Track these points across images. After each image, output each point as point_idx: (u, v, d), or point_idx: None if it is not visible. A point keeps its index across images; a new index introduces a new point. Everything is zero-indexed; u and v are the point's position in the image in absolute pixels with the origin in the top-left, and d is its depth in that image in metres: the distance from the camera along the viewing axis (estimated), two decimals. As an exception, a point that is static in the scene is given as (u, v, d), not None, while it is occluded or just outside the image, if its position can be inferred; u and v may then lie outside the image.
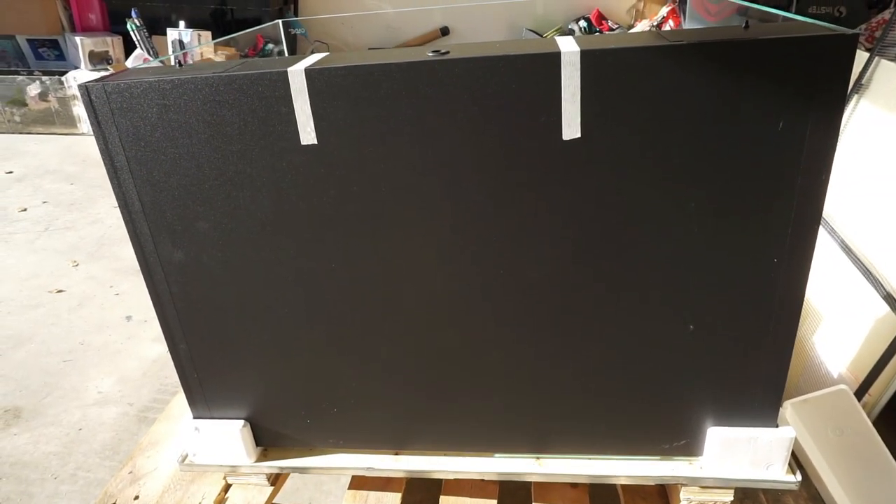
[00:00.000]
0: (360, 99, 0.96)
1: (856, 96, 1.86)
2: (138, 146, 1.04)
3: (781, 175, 0.94)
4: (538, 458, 1.28)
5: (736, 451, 1.17)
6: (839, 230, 1.75)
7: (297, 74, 0.95)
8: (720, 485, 1.20)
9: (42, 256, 2.77)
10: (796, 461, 1.44)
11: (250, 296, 1.17)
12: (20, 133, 4.36)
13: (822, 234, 1.78)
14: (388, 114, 0.97)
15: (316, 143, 1.00)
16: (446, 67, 0.93)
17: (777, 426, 1.17)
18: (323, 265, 1.11)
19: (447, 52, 0.96)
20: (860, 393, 1.52)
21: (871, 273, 1.55)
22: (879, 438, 1.41)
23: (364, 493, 1.34)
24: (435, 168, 1.00)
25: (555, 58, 0.90)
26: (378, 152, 1.00)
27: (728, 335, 1.09)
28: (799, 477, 1.18)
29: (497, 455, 1.29)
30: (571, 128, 0.94)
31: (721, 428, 1.17)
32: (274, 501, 1.35)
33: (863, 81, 1.86)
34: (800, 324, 1.72)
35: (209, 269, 1.14)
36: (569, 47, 0.90)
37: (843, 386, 1.46)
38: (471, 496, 1.33)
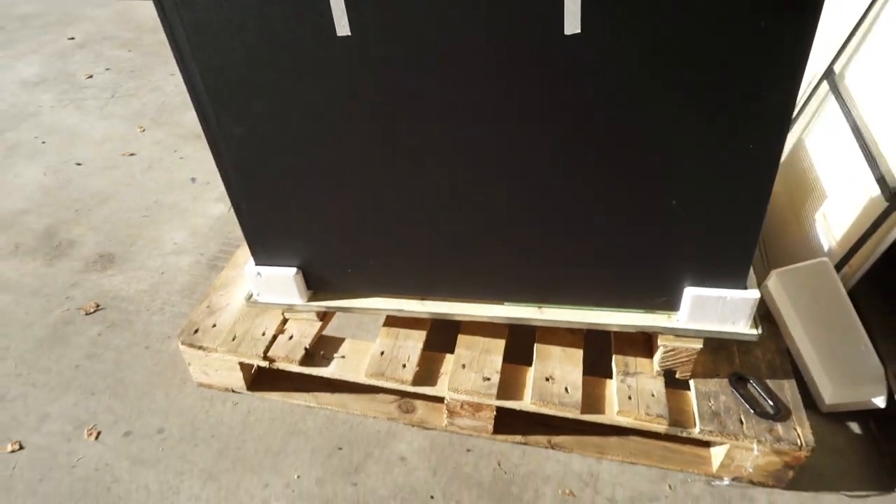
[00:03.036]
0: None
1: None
2: (199, 34, 1.20)
3: (760, 72, 1.05)
4: (540, 306, 1.52)
5: (707, 307, 1.38)
6: (854, 111, 1.80)
7: (331, -30, 1.08)
8: (691, 335, 1.42)
9: (112, 122, 3.03)
10: (771, 320, 1.65)
11: (298, 165, 1.37)
12: (75, -4, 4.47)
13: (838, 114, 1.83)
14: (411, 6, 1.10)
15: (350, 34, 1.15)
16: (461, -36, 1.04)
17: (746, 288, 1.36)
18: (361, 139, 1.30)
19: (464, -55, 1.06)
20: (843, 264, 1.67)
21: (871, 154, 1.64)
22: (851, 306, 1.59)
23: (396, 329, 1.62)
24: (455, 56, 1.14)
25: (558, -44, 0.99)
26: (406, 43, 1.14)
27: (705, 212, 1.25)
28: (759, 331, 1.39)
29: (506, 303, 1.54)
30: (572, 23, 1.06)
31: (695, 288, 1.37)
32: (323, 333, 1.66)
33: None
34: (805, 198, 1.85)
35: (264, 142, 1.35)
36: (573, -55, 0.99)
37: (824, 259, 1.61)
38: (483, 335, 1.60)
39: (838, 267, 1.66)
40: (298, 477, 1.51)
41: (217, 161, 1.40)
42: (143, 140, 2.89)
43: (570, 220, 1.34)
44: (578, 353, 1.56)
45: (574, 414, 1.45)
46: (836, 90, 1.92)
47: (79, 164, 2.68)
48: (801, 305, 1.65)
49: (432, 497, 1.47)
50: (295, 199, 1.44)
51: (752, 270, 1.41)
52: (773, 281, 1.65)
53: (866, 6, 1.87)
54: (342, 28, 1.14)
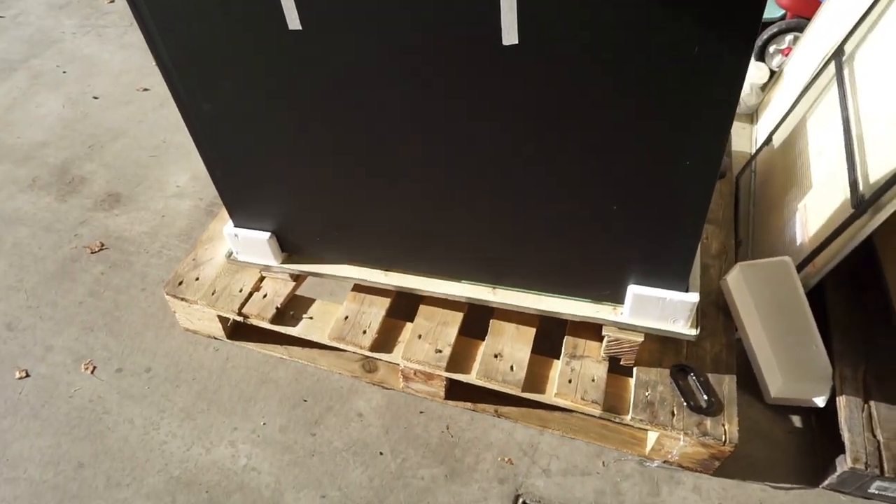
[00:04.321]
0: (332, -8, 1.10)
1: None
2: (164, 16, 1.24)
3: (695, 94, 1.04)
4: (494, 288, 1.58)
5: (648, 305, 1.42)
6: (851, 101, 1.72)
7: (276, -32, 1.09)
8: (633, 329, 1.47)
9: (130, 52, 3.09)
10: (728, 312, 1.67)
11: (265, 141, 1.43)
12: None
13: (836, 102, 1.76)
14: (357, 5, 1.11)
15: (301, 28, 1.17)
16: (399, -28, 1.03)
17: (686, 291, 1.39)
18: (319, 122, 1.34)
19: (407, -49, 1.06)
20: (808, 261, 1.66)
21: (852, 153, 1.59)
22: (807, 306, 1.59)
23: (362, 295, 1.72)
24: (398, 56, 1.16)
25: (492, -28, 0.98)
26: (353, 38, 1.16)
27: (645, 219, 1.27)
28: (697, 332, 1.43)
29: (463, 281, 1.61)
30: (510, 34, 1.06)
31: (638, 286, 1.41)
32: (296, 293, 1.77)
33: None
34: (792, 184, 1.82)
35: (232, 117, 1.40)
36: (508, -41, 0.98)
37: (785, 258, 1.61)
38: (443, 308, 1.68)
39: (805, 262, 1.66)
40: (264, 423, 1.67)
41: (192, 133, 1.47)
42: (158, 75, 2.94)
43: (520, 210, 1.37)
44: (531, 332, 1.63)
45: (515, 391, 1.54)
46: (840, 74, 1.83)
47: (96, 98, 2.78)
48: (759, 300, 1.67)
49: (381, 453, 1.61)
50: (264, 171, 1.51)
51: (697, 272, 1.44)
52: (734, 274, 1.66)
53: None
54: (293, 22, 1.16)
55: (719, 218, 1.96)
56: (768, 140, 2.23)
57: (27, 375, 1.77)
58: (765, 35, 2.63)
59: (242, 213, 1.66)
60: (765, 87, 2.60)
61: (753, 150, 2.36)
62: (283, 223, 1.64)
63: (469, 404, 1.70)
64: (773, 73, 2.63)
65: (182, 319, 1.84)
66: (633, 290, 1.41)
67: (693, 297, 1.38)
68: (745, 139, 2.51)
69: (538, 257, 1.47)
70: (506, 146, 1.25)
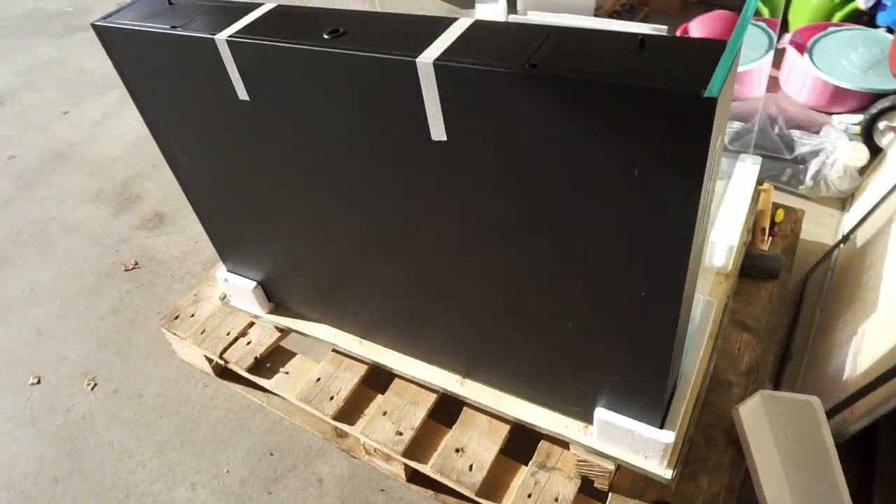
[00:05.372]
0: (273, 69, 1.06)
1: None
2: (138, 74, 1.27)
3: (636, 220, 0.87)
4: (463, 380, 1.46)
5: (616, 434, 1.23)
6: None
7: (222, 43, 1.06)
8: (599, 455, 1.29)
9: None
10: (738, 446, 1.43)
11: (235, 197, 1.42)
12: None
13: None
14: (294, 85, 1.05)
15: (248, 99, 1.14)
16: (326, 58, 0.97)
17: (661, 427, 1.19)
18: (272, 186, 1.31)
19: (343, 34, 0.99)
20: (849, 403, 1.37)
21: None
22: (835, 458, 1.31)
23: (341, 357, 1.66)
24: (332, 138, 1.09)
25: (412, 66, 0.89)
26: (293, 115, 1.11)
27: (603, 342, 1.10)
28: (671, 474, 1.22)
29: (435, 366, 1.50)
30: (437, 130, 0.95)
31: (605, 411, 1.23)
32: (280, 344, 1.75)
33: None
34: (853, 303, 1.54)
35: (206, 172, 1.41)
36: (426, 56, 0.88)
37: (813, 398, 1.33)
38: (419, 385, 1.58)
39: (844, 404, 1.38)
40: (227, 471, 1.65)
41: (180, 183, 1.50)
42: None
43: (480, 305, 1.25)
44: (504, 430, 1.48)
45: (469, 493, 1.40)
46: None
47: (176, 117, 2.97)
48: (781, 440, 1.40)
49: (330, 528, 1.54)
50: (242, 225, 1.51)
51: (682, 406, 1.23)
52: (752, 404, 1.41)
53: None
54: (241, 93, 1.13)
55: (761, 327, 1.68)
56: (848, 235, 1.90)
57: (38, 382, 1.89)
58: (874, 109, 2.26)
59: (231, 260, 1.66)
60: (864, 170, 2.23)
61: (834, 243, 2.03)
62: (267, 275, 1.62)
63: (430, 493, 1.58)
64: (878, 151, 2.25)
65: (178, 351, 1.89)
66: (599, 415, 1.23)
67: (667, 437, 1.17)
68: (829, 229, 2.16)
69: (506, 357, 1.33)
70: (452, 241, 1.13)
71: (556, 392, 1.31)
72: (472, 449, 1.46)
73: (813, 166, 2.20)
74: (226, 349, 1.71)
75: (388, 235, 1.23)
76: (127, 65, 1.25)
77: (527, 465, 1.43)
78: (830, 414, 1.37)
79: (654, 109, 0.75)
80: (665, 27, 1.34)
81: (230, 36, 1.06)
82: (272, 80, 1.08)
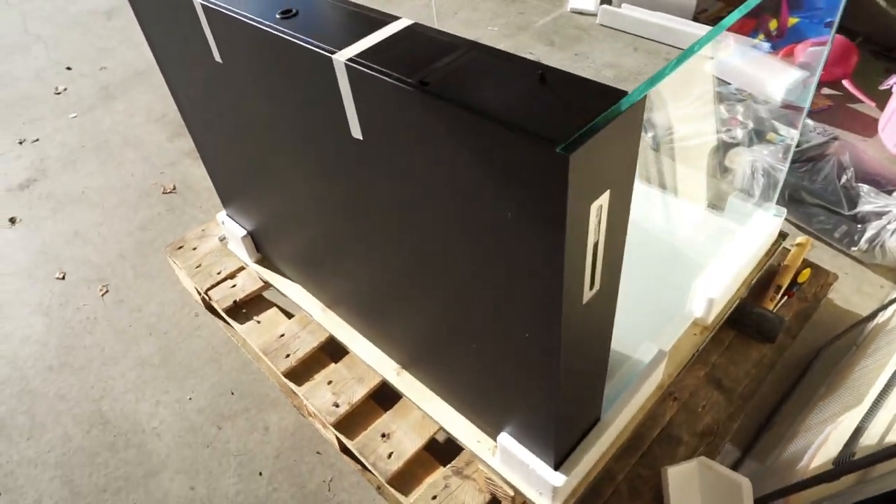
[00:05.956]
0: (237, 38, 1.08)
1: None
2: (151, 23, 1.34)
3: (517, 261, 0.83)
4: (400, 370, 1.47)
5: (515, 462, 1.21)
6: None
7: (199, 7, 1.10)
8: (501, 478, 1.27)
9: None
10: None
11: (225, 151, 1.48)
12: None
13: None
14: (251, 57, 1.08)
15: (221, 61, 1.17)
16: (268, 36, 0.98)
17: (556, 468, 1.15)
18: (248, 143, 1.35)
19: (295, 14, 0.99)
20: (784, 494, 1.25)
21: (882, 399, 1.14)
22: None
23: (309, 320, 1.71)
24: (286, 115, 1.11)
25: (329, 61, 0.88)
26: (255, 85, 1.14)
27: (500, 371, 1.08)
28: (561, 518, 1.18)
29: (380, 349, 1.52)
30: (355, 128, 0.94)
31: (508, 437, 1.20)
32: (263, 293, 1.83)
33: None
34: (841, 387, 1.44)
35: (199, 119, 1.48)
36: (343, 54, 0.87)
37: (744, 480, 1.23)
38: (367, 366, 1.61)
39: (781, 493, 1.27)
40: (190, 399, 1.78)
41: (182, 118, 1.59)
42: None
43: (420, 307, 1.25)
44: (433, 428, 1.49)
45: (381, 480, 1.43)
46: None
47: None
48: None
49: (260, 474, 1.62)
50: (232, 174, 1.57)
51: (594, 455, 1.18)
52: (685, 469, 1.33)
53: None
54: (216, 55, 1.17)
55: (738, 389, 1.56)
56: (877, 312, 1.71)
57: (63, 278, 2.10)
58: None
59: (228, 205, 1.75)
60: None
61: (873, 316, 1.82)
62: (256, 227, 1.69)
63: (359, 468, 1.62)
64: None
65: (181, 278, 2.02)
66: (502, 440, 1.20)
67: (556, 480, 1.13)
68: (874, 300, 1.94)
69: (438, 360, 1.33)
70: (390, 237, 1.13)
71: (475, 406, 1.29)
72: (397, 438, 1.48)
73: (872, 228, 1.96)
74: (212, 287, 1.81)
75: (345, 215, 1.25)
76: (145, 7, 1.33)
77: (444, 467, 1.44)
78: (766, 499, 1.27)
79: (519, 152, 0.71)
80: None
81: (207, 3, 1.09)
82: (239, 47, 1.10)
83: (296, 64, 0.97)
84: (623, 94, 0.71)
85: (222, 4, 1.06)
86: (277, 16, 0.99)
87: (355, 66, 0.85)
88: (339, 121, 0.96)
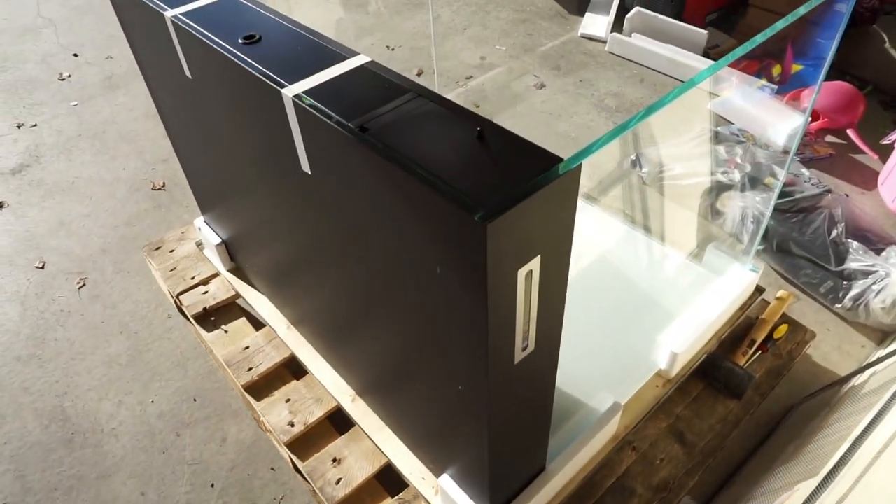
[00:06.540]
0: (203, 56, 1.08)
1: None
2: (132, 28, 1.34)
3: (446, 316, 0.82)
4: (355, 396, 1.46)
5: (454, 506, 1.19)
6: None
7: (170, 24, 1.09)
8: (441, 519, 1.25)
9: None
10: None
11: (200, 158, 1.48)
12: None
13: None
14: (215, 76, 1.07)
15: (190, 77, 1.17)
16: (226, 61, 0.97)
17: (488, 518, 1.13)
18: (212, 153, 1.35)
19: (258, 41, 0.98)
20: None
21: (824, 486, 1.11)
22: None
23: (274, 334, 1.70)
24: (248, 138, 1.10)
25: (278, 94, 0.87)
26: (219, 103, 1.13)
27: (443, 419, 1.06)
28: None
29: (339, 374, 1.50)
30: (304, 162, 0.93)
31: (448, 479, 1.18)
32: (236, 301, 1.82)
33: None
34: (798, 455, 1.43)
35: (176, 125, 1.48)
36: (292, 88, 0.86)
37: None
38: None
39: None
40: (153, 402, 1.77)
41: (162, 121, 1.58)
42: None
43: (374, 336, 1.23)
44: (385, 458, 1.47)
45: (326, 505, 1.42)
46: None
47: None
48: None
49: (212, 485, 1.61)
50: (208, 182, 1.57)
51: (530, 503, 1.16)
52: (634, 524, 1.30)
53: None
54: (187, 71, 1.17)
55: (699, 444, 1.53)
56: (852, 375, 1.67)
57: (42, 267, 2.11)
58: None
59: (205, 211, 1.74)
60: (919, 307, 1.92)
61: (849, 377, 1.78)
62: (230, 237, 1.68)
63: (311, 489, 1.61)
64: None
65: (157, 278, 2.02)
66: (442, 481, 1.19)
67: (491, 530, 1.11)
68: (853, 360, 1.90)
69: (392, 392, 1.31)
70: (330, 264, 1.12)
71: (421, 443, 1.28)
72: (348, 464, 1.46)
73: (857, 286, 1.92)
74: (184, 291, 1.81)
75: (303, 239, 1.24)
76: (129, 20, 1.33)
77: (392, 498, 1.42)
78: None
79: (442, 213, 0.69)
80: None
81: (174, 16, 1.08)
82: (205, 67, 1.10)
83: (252, 92, 0.96)
84: (559, 160, 0.70)
85: (190, 23, 1.05)
86: (240, 41, 0.98)
87: (298, 102, 0.84)
88: (291, 153, 0.95)
